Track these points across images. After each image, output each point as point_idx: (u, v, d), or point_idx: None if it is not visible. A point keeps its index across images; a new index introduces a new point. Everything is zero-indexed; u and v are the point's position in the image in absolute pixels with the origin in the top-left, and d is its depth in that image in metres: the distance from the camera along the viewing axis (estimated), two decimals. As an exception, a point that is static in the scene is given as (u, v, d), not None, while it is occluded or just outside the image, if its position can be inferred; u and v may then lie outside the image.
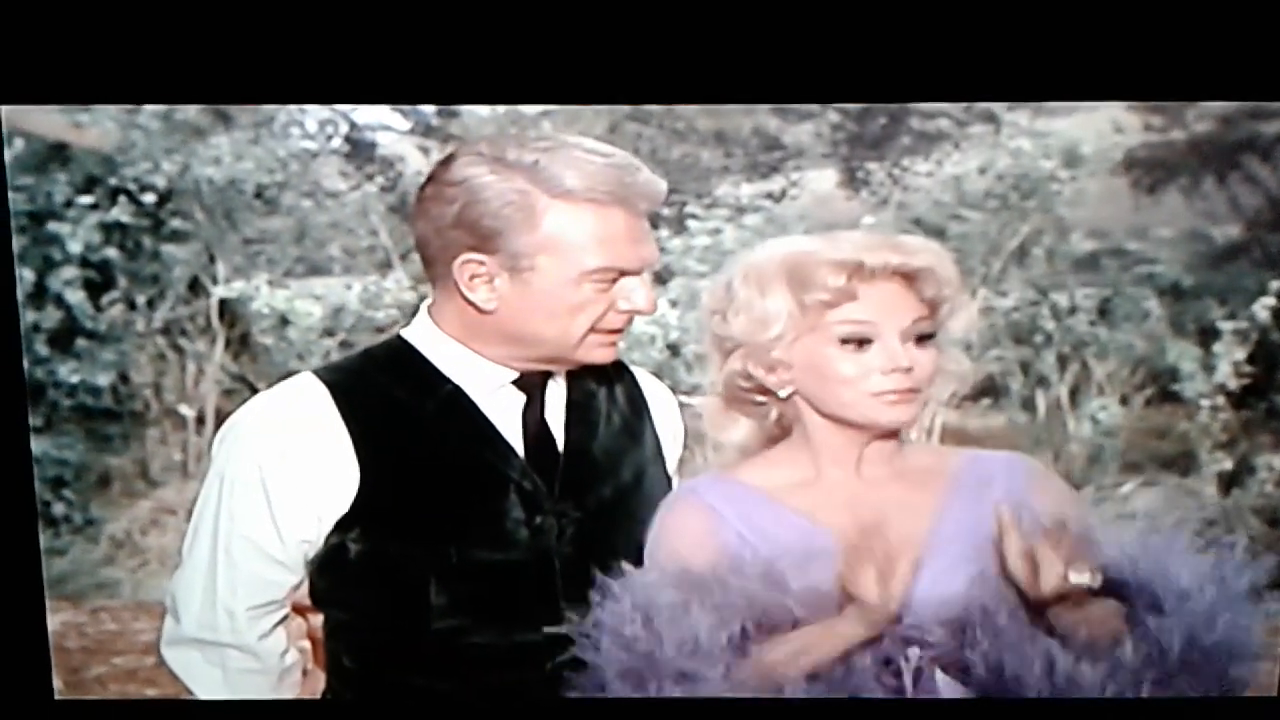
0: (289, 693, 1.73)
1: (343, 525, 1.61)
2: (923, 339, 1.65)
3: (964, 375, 1.73)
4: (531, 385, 1.67)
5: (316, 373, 1.65)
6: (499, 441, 1.65)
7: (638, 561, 1.67)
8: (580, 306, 1.58)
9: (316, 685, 1.78)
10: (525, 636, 1.64)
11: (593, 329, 1.60)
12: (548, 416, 1.70)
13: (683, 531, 1.68)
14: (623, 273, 1.58)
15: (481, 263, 1.58)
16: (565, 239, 1.56)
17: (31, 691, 1.95)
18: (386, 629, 1.66)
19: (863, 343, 1.63)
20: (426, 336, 1.67)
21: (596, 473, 1.71)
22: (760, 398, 1.72)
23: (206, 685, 1.69)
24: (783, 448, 1.74)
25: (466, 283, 1.59)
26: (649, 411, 1.81)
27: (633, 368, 1.82)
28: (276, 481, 1.60)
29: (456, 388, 1.64)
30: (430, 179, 1.61)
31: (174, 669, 1.69)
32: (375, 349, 1.71)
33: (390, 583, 1.63)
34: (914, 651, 1.61)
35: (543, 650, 1.63)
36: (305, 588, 1.71)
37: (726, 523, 1.66)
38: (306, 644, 1.80)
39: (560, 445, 1.69)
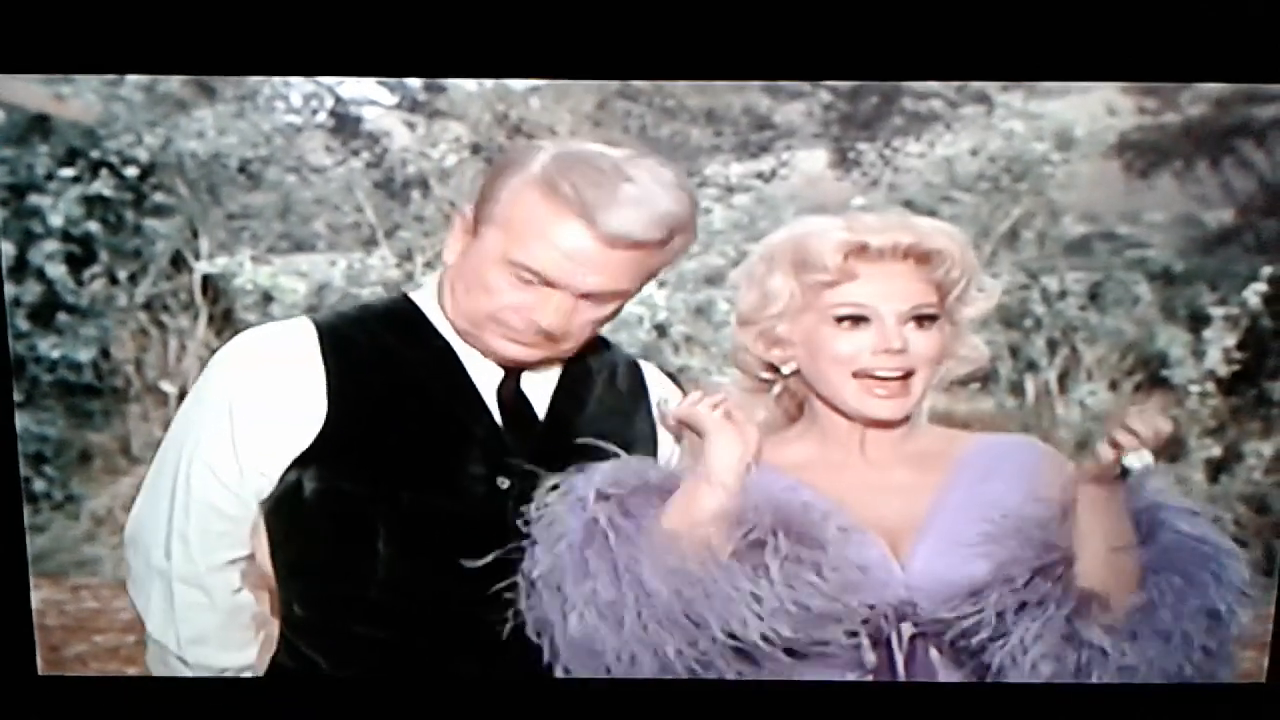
0: (238, 633, 1.73)
1: (301, 461, 1.63)
2: (924, 321, 1.65)
3: (979, 360, 1.73)
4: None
5: (311, 316, 1.72)
6: (473, 399, 1.69)
7: None
8: (491, 289, 1.63)
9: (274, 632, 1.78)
10: (472, 591, 1.69)
11: (494, 319, 1.64)
12: (527, 389, 1.71)
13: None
14: (547, 282, 1.59)
15: (465, 216, 1.68)
16: (516, 220, 1.61)
17: (14, 668, 1.94)
18: (335, 574, 1.67)
19: (858, 322, 1.64)
20: (430, 299, 1.72)
21: (576, 447, 1.73)
22: (767, 374, 1.74)
23: (158, 619, 1.70)
24: (795, 428, 1.76)
25: (454, 233, 1.69)
26: (649, 403, 1.83)
27: (642, 363, 1.85)
28: (242, 409, 1.66)
29: (447, 344, 1.67)
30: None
31: (134, 603, 1.71)
32: (376, 302, 1.77)
33: (341, 524, 1.66)
34: (906, 627, 1.62)
35: (488, 607, 1.68)
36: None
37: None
38: (271, 619, 1.80)
39: (541, 415, 1.70)
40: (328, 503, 1.65)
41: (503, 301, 1.63)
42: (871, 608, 1.63)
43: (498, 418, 1.71)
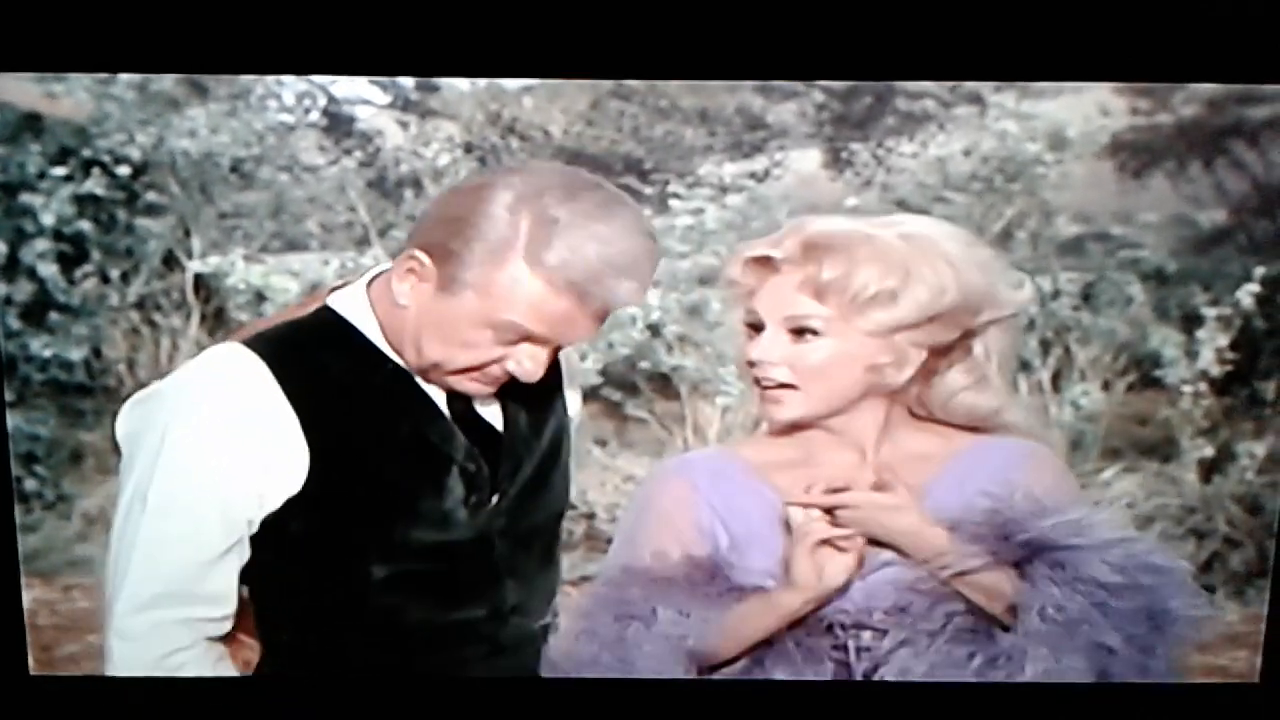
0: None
1: (289, 504, 1.58)
2: (805, 331, 1.65)
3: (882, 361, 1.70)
4: None
5: (247, 344, 1.61)
6: (442, 422, 1.65)
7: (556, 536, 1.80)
8: (471, 345, 1.58)
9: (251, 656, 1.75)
10: (465, 614, 1.68)
11: (472, 369, 1.60)
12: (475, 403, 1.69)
13: (660, 506, 1.73)
14: (527, 338, 1.57)
15: (422, 264, 1.57)
16: (502, 292, 1.54)
17: (6, 669, 1.93)
18: (324, 605, 1.64)
19: (757, 330, 1.67)
20: (364, 314, 1.65)
21: (527, 449, 1.73)
22: None
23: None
24: (789, 428, 1.76)
25: (400, 273, 1.59)
26: (562, 380, 1.83)
27: None
28: (221, 462, 1.56)
29: (398, 366, 1.63)
30: (475, 183, 1.60)
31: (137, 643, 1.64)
32: (303, 321, 1.67)
33: (331, 560, 1.62)
34: (866, 635, 1.62)
35: (482, 627, 1.67)
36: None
37: (702, 498, 1.71)
38: None
39: (499, 425, 1.69)
40: (316, 539, 1.61)
41: (483, 357, 1.58)
42: (823, 616, 1.64)
43: (461, 438, 1.67)
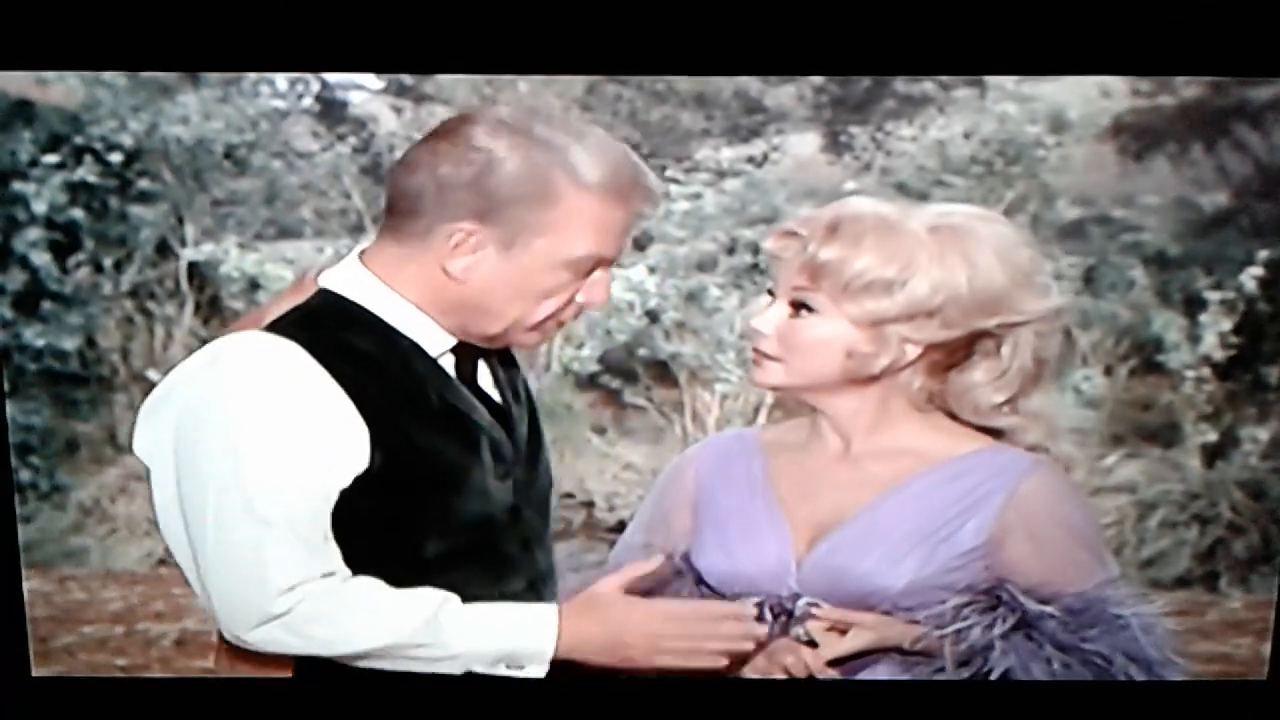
0: None
1: (356, 483, 1.56)
2: (800, 307, 1.66)
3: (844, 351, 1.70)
4: (464, 353, 1.67)
5: (275, 329, 1.58)
6: (462, 391, 1.65)
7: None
8: (550, 292, 1.59)
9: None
10: (510, 586, 1.66)
11: (550, 316, 1.61)
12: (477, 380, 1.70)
13: (664, 484, 1.81)
14: (598, 264, 1.60)
15: (472, 232, 1.56)
16: (570, 225, 1.56)
17: (8, 669, 1.92)
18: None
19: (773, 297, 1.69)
20: (368, 290, 1.63)
21: (520, 417, 1.74)
22: None
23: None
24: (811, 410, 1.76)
25: (449, 249, 1.56)
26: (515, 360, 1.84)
27: None
28: (293, 449, 1.54)
29: (414, 342, 1.62)
30: (443, 135, 1.58)
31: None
32: (310, 306, 1.64)
33: (389, 539, 1.60)
34: (793, 622, 1.63)
35: (523, 599, 1.65)
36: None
37: (699, 479, 1.77)
38: None
39: (494, 396, 1.70)
40: (381, 514, 1.60)
41: (562, 299, 1.60)
42: (759, 603, 1.65)
43: (481, 406, 1.68)
